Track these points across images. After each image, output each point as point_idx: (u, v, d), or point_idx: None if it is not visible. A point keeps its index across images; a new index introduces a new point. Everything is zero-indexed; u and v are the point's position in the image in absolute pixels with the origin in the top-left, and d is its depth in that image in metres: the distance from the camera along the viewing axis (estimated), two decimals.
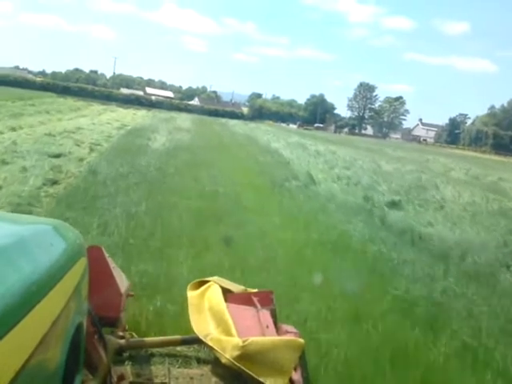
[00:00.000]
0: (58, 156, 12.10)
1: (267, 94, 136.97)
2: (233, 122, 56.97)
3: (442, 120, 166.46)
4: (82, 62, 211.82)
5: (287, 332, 3.35)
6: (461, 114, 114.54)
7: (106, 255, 3.25)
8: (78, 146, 14.61)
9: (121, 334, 3.28)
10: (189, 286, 3.71)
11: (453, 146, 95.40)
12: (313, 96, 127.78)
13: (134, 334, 3.49)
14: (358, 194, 12.79)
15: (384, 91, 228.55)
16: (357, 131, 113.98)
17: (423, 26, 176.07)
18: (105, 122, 26.33)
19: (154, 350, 3.52)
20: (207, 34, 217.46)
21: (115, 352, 3.13)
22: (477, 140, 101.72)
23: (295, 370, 2.99)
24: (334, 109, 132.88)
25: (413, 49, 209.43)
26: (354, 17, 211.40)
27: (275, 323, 3.40)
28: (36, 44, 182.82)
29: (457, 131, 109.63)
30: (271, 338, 3.07)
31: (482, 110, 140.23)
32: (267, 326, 3.24)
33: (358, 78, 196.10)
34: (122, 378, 3.00)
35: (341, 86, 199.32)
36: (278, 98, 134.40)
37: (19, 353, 1.40)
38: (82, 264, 2.25)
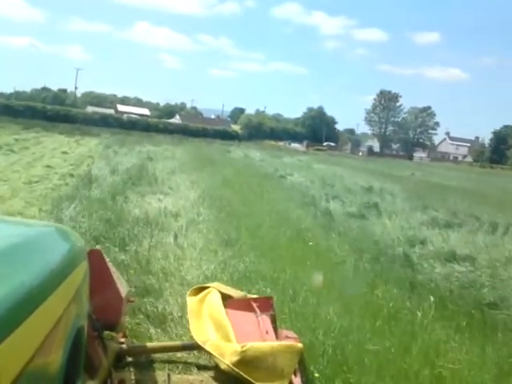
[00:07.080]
0: None
1: (249, 109, 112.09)
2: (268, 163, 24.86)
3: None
4: (54, 82, 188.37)
5: (287, 337, 3.28)
6: (505, 126, 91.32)
7: (107, 259, 3.22)
8: None
9: (121, 339, 3.28)
10: (188, 292, 3.68)
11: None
12: (310, 109, 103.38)
13: (134, 340, 3.51)
14: None
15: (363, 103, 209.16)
16: (378, 151, 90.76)
17: (395, 38, 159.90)
18: None
19: (155, 356, 3.47)
20: (183, 50, 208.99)
21: (116, 357, 3.11)
22: None
23: (295, 374, 2.98)
24: (335, 123, 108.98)
25: (386, 60, 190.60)
26: (325, 29, 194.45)
27: (275, 329, 3.37)
28: (8, 66, 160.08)
29: (502, 146, 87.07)
30: (270, 343, 3.04)
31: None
32: (266, 332, 3.22)
33: (335, 91, 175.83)
34: (122, 382, 2.98)
35: (318, 99, 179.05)
36: (262, 112, 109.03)
37: (20, 356, 1.39)
38: (82, 268, 2.24)
